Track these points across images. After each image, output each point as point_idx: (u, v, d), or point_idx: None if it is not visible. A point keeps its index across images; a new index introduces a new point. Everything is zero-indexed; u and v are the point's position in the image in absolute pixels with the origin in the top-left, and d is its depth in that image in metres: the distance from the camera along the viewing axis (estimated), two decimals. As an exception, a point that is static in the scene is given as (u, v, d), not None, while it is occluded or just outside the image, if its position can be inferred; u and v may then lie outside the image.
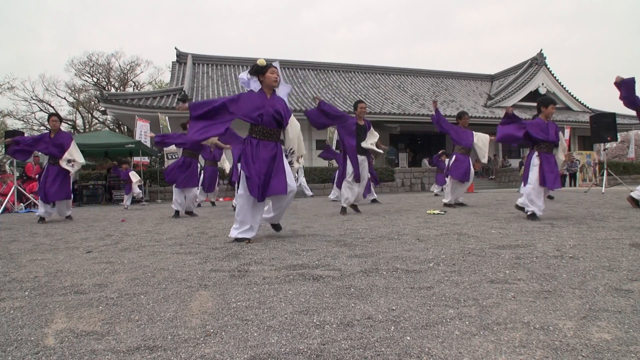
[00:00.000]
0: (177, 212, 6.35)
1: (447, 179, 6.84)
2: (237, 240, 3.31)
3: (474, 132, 6.82)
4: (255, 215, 3.42)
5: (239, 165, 3.49)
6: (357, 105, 6.18)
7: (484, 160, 6.85)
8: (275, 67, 3.49)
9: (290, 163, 3.67)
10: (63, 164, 5.97)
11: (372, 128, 6.26)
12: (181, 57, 21.74)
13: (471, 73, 27.60)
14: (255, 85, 3.64)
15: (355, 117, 6.08)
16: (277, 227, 3.80)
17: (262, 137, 3.41)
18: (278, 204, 3.56)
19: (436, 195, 11.84)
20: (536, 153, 4.53)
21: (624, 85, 5.21)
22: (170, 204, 9.29)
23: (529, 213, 4.36)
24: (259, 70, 3.45)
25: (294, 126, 3.76)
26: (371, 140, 6.23)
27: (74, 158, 6.07)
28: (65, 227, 5.31)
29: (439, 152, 12.90)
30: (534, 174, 4.44)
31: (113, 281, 2.12)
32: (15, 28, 49.30)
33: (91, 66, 31.49)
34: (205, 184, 8.59)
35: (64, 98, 32.10)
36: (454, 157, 6.81)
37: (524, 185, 4.58)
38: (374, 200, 8.50)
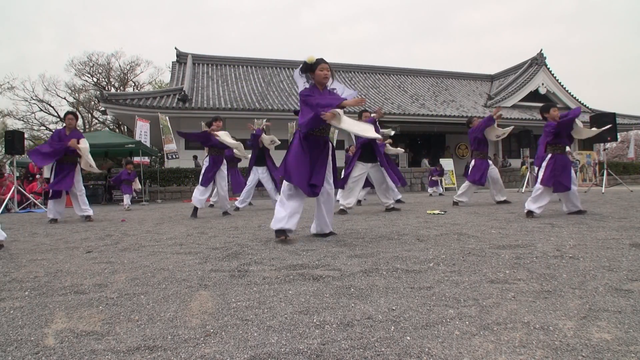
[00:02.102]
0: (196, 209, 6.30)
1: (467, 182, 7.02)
2: (280, 232, 3.27)
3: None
4: (294, 210, 3.36)
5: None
6: (362, 115, 6.18)
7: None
8: (326, 63, 3.38)
9: None
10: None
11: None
12: (181, 57, 21.75)
13: (471, 73, 27.61)
14: (303, 82, 3.56)
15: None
16: (330, 233, 3.61)
17: (314, 133, 3.35)
18: (322, 207, 3.50)
19: (431, 195, 12.10)
20: (550, 155, 4.74)
21: None
22: (170, 203, 9.34)
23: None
24: (308, 67, 3.37)
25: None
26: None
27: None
28: (65, 227, 5.31)
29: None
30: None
31: (113, 281, 2.12)
32: (15, 27, 49.35)
33: (91, 66, 31.57)
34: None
35: (64, 98, 32.21)
36: (473, 162, 7.01)
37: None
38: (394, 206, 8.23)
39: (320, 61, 3.37)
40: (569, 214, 4.72)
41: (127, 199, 9.85)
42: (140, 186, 10.18)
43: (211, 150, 6.38)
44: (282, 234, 3.26)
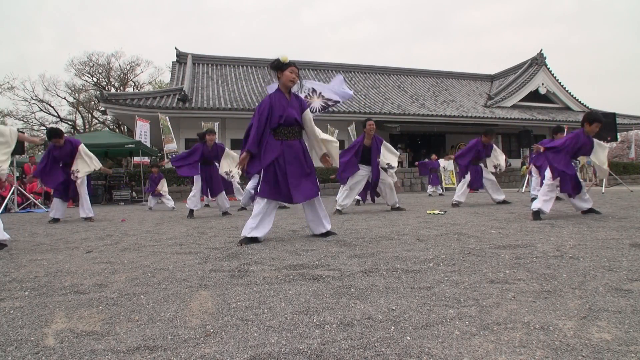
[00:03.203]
0: (191, 211, 6.35)
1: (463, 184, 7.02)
2: (248, 239, 3.24)
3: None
4: (270, 217, 3.39)
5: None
6: (365, 123, 6.14)
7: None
8: (296, 67, 3.37)
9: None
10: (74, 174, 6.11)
11: (385, 144, 6.25)
12: (181, 57, 21.74)
13: (471, 73, 27.60)
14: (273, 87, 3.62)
15: (364, 136, 6.09)
16: (328, 234, 3.56)
17: (285, 137, 3.39)
18: (312, 209, 3.51)
19: (430, 195, 12.05)
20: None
21: None
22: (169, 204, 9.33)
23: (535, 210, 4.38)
24: (279, 66, 3.36)
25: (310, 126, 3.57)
26: (387, 159, 6.26)
27: (77, 169, 6.11)
28: (65, 227, 5.31)
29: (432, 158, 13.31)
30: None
31: (113, 281, 2.12)
32: (15, 27, 49.36)
33: (91, 66, 31.55)
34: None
35: (64, 98, 32.19)
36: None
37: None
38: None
39: (292, 63, 3.37)
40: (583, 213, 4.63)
41: (152, 201, 9.50)
42: (166, 189, 9.81)
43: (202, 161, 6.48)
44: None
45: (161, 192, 9.47)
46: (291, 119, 3.37)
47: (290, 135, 3.42)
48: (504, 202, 7.01)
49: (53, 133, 6.08)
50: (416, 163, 14.07)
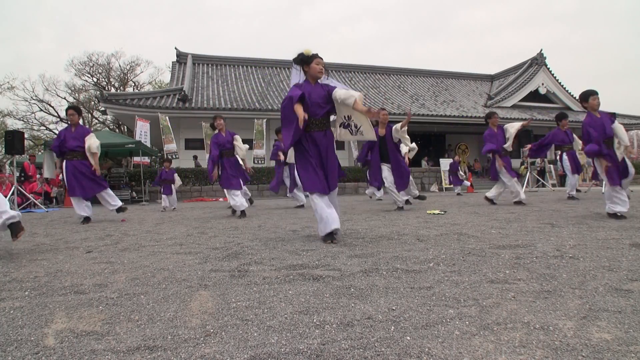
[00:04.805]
0: (242, 212, 6.13)
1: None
2: (329, 235, 3.13)
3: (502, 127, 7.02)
4: (330, 207, 3.23)
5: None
6: (379, 114, 6.20)
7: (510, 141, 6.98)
8: (321, 58, 3.37)
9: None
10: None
11: (393, 129, 6.32)
12: (181, 57, 21.74)
13: (471, 73, 27.59)
14: (297, 78, 3.51)
15: (378, 126, 6.26)
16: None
17: (311, 128, 3.29)
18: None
19: (459, 194, 11.87)
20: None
21: None
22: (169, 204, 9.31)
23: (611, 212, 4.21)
24: (304, 60, 3.34)
25: (342, 98, 3.35)
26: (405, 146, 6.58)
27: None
28: (65, 227, 5.31)
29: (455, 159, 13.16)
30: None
31: (113, 281, 2.12)
32: (14, 27, 49.34)
33: (91, 66, 31.52)
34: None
35: (64, 98, 32.10)
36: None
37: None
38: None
39: (317, 55, 3.37)
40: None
41: (165, 200, 9.17)
42: (181, 182, 9.66)
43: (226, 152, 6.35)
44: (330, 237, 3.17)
45: (175, 185, 9.43)
46: (316, 106, 3.29)
47: (319, 126, 3.33)
48: (488, 199, 7.07)
49: (70, 106, 6.03)
50: (458, 158, 13.85)
